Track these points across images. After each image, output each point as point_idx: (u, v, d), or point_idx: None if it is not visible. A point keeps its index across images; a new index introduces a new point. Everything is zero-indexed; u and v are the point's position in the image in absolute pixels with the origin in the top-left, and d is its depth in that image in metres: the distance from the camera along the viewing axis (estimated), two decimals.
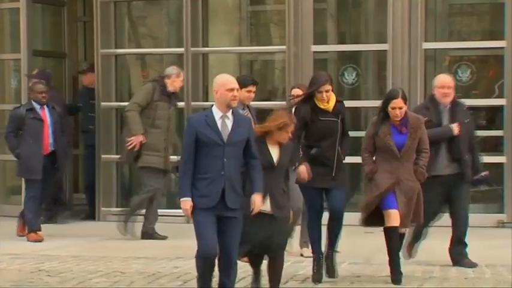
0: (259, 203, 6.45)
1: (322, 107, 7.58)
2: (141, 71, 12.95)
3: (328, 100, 7.57)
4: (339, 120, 7.60)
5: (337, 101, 7.66)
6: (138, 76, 12.87)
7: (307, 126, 7.58)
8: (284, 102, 11.28)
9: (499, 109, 10.94)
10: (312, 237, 7.78)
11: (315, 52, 11.37)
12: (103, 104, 12.09)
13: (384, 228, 7.50)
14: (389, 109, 7.44)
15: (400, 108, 7.41)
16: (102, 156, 12.07)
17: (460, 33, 12.15)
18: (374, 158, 7.62)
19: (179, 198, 6.36)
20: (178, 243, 9.82)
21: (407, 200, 7.44)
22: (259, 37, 12.80)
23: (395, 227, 7.44)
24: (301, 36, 11.25)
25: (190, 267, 8.30)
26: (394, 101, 7.42)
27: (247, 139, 6.39)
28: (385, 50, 11.03)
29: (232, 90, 6.33)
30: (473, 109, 11.01)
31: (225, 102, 6.32)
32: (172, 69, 10.54)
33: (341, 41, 12.23)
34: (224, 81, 6.37)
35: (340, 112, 7.65)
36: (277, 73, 12.70)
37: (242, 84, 8.00)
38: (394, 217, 7.40)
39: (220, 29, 12.15)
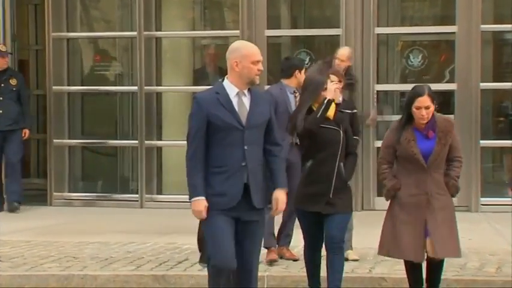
0: (284, 201, 5.37)
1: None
2: (94, 54, 12.82)
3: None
4: (341, 131, 6.38)
5: (337, 110, 6.53)
6: (90, 60, 12.75)
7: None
8: None
9: (450, 94, 11.06)
10: (307, 271, 6.53)
11: (268, 37, 11.35)
12: (54, 88, 11.96)
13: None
14: (414, 109, 6.08)
15: (427, 108, 6.04)
16: (54, 140, 11.96)
17: (412, 18, 12.23)
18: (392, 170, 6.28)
19: (189, 198, 5.30)
20: (132, 227, 9.80)
21: (441, 220, 6.10)
22: (213, 21, 12.75)
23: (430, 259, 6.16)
24: (254, 21, 11.23)
25: (143, 251, 8.34)
26: (420, 99, 6.03)
27: (269, 119, 5.37)
28: (338, 35, 11.05)
29: (258, 63, 5.28)
30: None
31: (248, 77, 5.24)
32: None
33: (294, 26, 12.24)
34: (249, 52, 5.28)
35: (342, 122, 6.46)
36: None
37: None
38: (429, 246, 6.08)
39: (173, 13, 12.07)
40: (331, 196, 6.23)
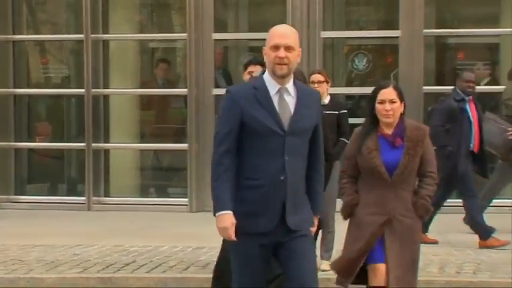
0: (313, 229, 4.48)
1: None
2: (41, 57, 12.78)
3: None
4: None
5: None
6: (37, 63, 12.70)
7: None
8: (186, 89, 11.35)
9: None
10: None
11: (215, 40, 11.43)
12: (0, 90, 11.90)
13: None
14: (377, 105, 5.16)
15: (392, 101, 5.11)
16: (0, 143, 11.89)
17: (357, 22, 12.42)
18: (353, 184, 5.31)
19: (213, 213, 4.28)
20: (79, 230, 9.80)
21: (402, 246, 5.11)
22: (161, 24, 12.79)
23: None
24: (201, 24, 11.30)
25: (90, 254, 8.34)
26: (383, 91, 5.15)
27: (315, 126, 4.39)
28: None
29: (277, 48, 4.20)
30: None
31: (269, 67, 4.29)
32: None
33: (241, 29, 12.34)
34: (269, 35, 4.29)
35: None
36: (178, 60, 12.71)
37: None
38: (379, 274, 5.09)
39: (120, 16, 12.09)
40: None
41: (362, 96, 11.31)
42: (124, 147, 12.02)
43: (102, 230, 9.80)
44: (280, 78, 4.25)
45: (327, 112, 7.03)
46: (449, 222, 9.31)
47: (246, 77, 7.32)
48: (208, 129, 10.75)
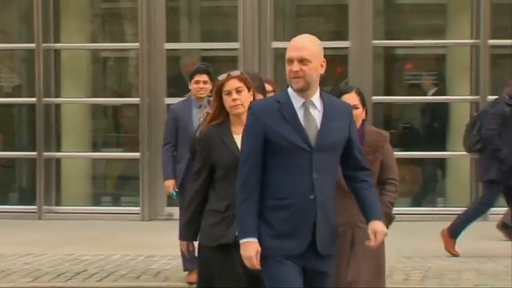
0: (384, 231, 4.19)
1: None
2: None
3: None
4: None
5: None
6: None
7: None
8: (138, 99, 11.39)
9: None
10: None
11: (167, 50, 11.49)
12: None
13: None
14: None
15: (355, 107, 4.89)
16: None
17: (308, 33, 12.53)
18: None
19: (238, 239, 4.04)
20: (30, 239, 9.77)
21: (365, 253, 4.86)
22: (113, 34, 12.82)
23: None
24: (154, 34, 11.35)
25: (41, 263, 8.33)
26: (346, 96, 5.01)
27: (349, 139, 4.12)
28: (237, 49, 11.28)
29: (291, 61, 3.99)
30: None
31: (287, 81, 4.08)
32: None
33: (194, 39, 12.42)
34: (288, 47, 4.07)
35: None
36: (130, 70, 12.75)
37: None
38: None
39: (72, 25, 12.08)
40: None
41: None
42: (76, 156, 12.00)
43: (53, 239, 9.79)
44: (301, 92, 3.98)
45: None
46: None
47: (193, 86, 7.41)
48: (161, 138, 10.78)
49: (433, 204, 11.69)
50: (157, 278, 7.73)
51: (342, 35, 11.55)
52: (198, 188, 4.83)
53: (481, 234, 9.44)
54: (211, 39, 12.26)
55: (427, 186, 12.02)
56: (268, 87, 6.92)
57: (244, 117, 4.51)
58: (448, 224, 8.73)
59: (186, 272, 7.59)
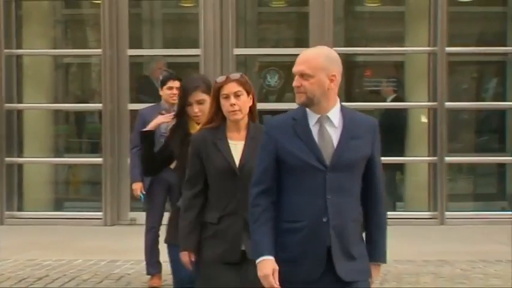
0: (373, 278, 3.93)
1: (192, 131, 5.04)
2: None
3: (200, 119, 5.03)
4: None
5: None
6: None
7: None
8: (99, 104, 11.42)
9: None
10: None
11: (130, 56, 11.53)
12: None
13: None
14: None
15: None
16: None
17: (269, 40, 12.68)
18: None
19: (255, 258, 3.81)
20: None
21: None
22: (75, 40, 12.82)
23: None
24: (116, 40, 11.38)
25: (3, 268, 8.30)
26: None
27: (370, 158, 3.86)
28: (198, 55, 11.35)
29: (294, 76, 3.83)
30: (282, 112, 11.65)
31: None
32: None
33: (156, 46, 12.48)
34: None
35: None
36: (93, 76, 12.76)
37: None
38: None
39: (34, 31, 12.06)
40: None
41: (276, 112, 11.53)
42: (38, 162, 11.99)
43: (15, 244, 9.75)
44: (312, 107, 3.74)
45: None
46: None
47: (166, 92, 7.53)
48: (124, 143, 10.86)
49: (392, 208, 11.85)
50: (120, 282, 7.76)
51: (302, 42, 11.66)
52: (192, 197, 4.48)
53: (438, 238, 9.61)
54: (174, 45, 12.32)
55: (386, 191, 12.15)
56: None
57: (242, 124, 4.47)
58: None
59: (149, 276, 7.64)
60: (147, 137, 5.29)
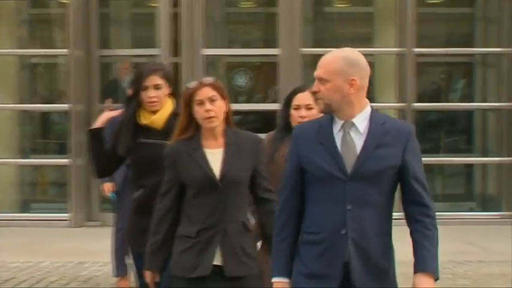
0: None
1: (144, 121, 4.80)
2: None
3: (155, 106, 4.79)
4: None
5: (176, 113, 4.72)
6: None
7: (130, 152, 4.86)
8: (66, 105, 11.33)
9: (274, 114, 11.54)
10: None
11: (100, 56, 11.45)
12: None
13: None
14: (292, 111, 4.76)
15: (309, 107, 4.70)
16: None
17: (239, 40, 12.67)
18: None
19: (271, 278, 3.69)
20: None
21: None
22: (43, 40, 12.72)
23: None
24: (84, 40, 11.29)
25: None
26: (299, 95, 4.77)
27: (403, 168, 3.57)
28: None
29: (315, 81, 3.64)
30: (251, 113, 11.68)
31: None
32: None
33: (125, 46, 12.41)
34: None
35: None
36: (61, 76, 12.67)
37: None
38: None
39: (1, 30, 11.96)
40: None
41: (245, 113, 11.56)
42: (4, 163, 11.88)
43: None
44: (335, 113, 3.57)
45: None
46: None
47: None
48: None
49: None
50: (88, 284, 7.73)
51: (271, 43, 11.67)
52: (166, 211, 4.24)
53: (406, 239, 9.64)
54: (143, 45, 12.26)
55: None
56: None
57: (218, 130, 4.20)
58: None
59: (117, 278, 7.58)
60: (96, 135, 4.93)
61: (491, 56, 12.03)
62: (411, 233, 3.61)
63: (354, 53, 3.61)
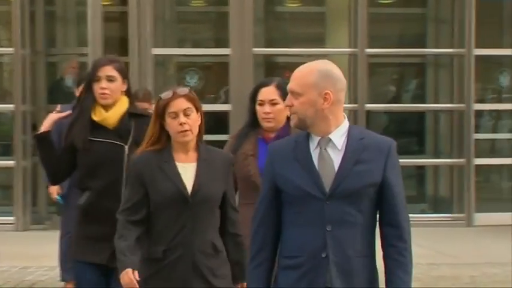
0: None
1: (95, 118, 4.54)
2: None
3: (107, 99, 4.52)
4: (127, 146, 4.50)
5: (130, 112, 4.58)
6: None
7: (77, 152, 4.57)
8: (11, 105, 11.08)
9: (225, 114, 11.43)
10: None
11: (46, 55, 11.24)
12: None
13: None
14: (257, 107, 4.56)
15: (274, 103, 4.50)
16: None
17: (189, 40, 12.56)
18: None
19: None
20: None
21: None
22: None
23: None
24: (31, 39, 11.08)
25: None
26: (264, 90, 4.55)
27: (383, 184, 3.39)
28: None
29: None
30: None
31: None
32: None
33: (72, 45, 12.21)
34: None
35: (128, 130, 4.53)
36: (5, 76, 12.42)
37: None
38: None
39: None
40: None
41: None
42: None
43: None
44: (309, 129, 3.39)
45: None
46: None
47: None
48: None
49: None
50: None
51: (222, 43, 11.58)
52: (131, 224, 3.91)
53: None
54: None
55: None
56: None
57: (191, 144, 3.96)
58: None
59: (63, 283, 7.42)
60: (43, 139, 4.58)
61: (443, 57, 12.06)
62: (384, 258, 3.40)
63: (327, 65, 3.44)
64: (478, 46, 11.22)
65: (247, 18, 11.06)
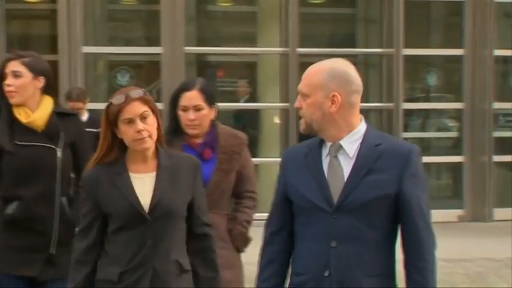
0: None
1: (22, 120, 4.16)
2: None
3: (13, 97, 4.16)
4: (59, 148, 4.17)
5: (56, 112, 4.23)
6: None
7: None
8: None
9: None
10: None
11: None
12: None
13: None
14: (180, 112, 4.22)
15: (198, 109, 4.18)
16: None
17: (120, 38, 12.42)
18: None
19: None
20: None
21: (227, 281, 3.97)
22: None
23: None
24: None
25: None
26: (186, 94, 4.20)
27: (400, 195, 3.06)
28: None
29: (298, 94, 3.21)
30: None
31: None
32: None
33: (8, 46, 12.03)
34: None
35: (58, 132, 4.20)
36: None
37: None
38: None
39: None
40: (52, 252, 4.17)
41: None
42: None
43: None
44: (319, 134, 3.13)
45: (87, 130, 7.00)
46: None
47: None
48: None
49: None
50: None
51: (154, 41, 11.49)
52: (85, 252, 3.52)
53: None
54: (21, 44, 11.87)
55: None
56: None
57: (150, 151, 3.50)
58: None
59: None
60: None
61: (372, 56, 12.18)
62: (405, 277, 3.11)
63: (339, 65, 3.13)
64: (406, 46, 11.37)
65: (178, 16, 10.99)
